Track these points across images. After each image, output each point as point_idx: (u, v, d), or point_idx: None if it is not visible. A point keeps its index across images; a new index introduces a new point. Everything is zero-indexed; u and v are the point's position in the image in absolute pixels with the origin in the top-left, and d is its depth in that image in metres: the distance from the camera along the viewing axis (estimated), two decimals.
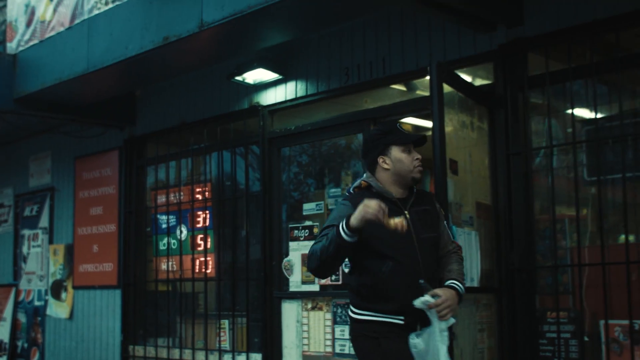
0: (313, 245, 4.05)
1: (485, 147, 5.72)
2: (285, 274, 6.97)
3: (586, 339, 5.26)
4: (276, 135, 7.16)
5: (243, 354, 7.30)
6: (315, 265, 4.00)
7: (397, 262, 3.98)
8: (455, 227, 5.01)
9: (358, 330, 4.12)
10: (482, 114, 5.72)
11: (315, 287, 6.74)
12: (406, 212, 4.09)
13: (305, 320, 6.83)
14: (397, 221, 3.81)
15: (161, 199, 8.34)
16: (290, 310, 6.94)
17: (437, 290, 3.95)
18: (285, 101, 7.09)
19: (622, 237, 5.20)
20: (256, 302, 7.26)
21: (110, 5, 6.71)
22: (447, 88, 5.17)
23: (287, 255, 6.98)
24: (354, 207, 3.88)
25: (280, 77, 7.03)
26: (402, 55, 6.21)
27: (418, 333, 3.98)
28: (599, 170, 5.22)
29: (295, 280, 6.90)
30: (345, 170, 6.87)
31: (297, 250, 6.90)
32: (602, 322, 5.14)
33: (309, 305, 6.81)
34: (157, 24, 6.25)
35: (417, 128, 7.14)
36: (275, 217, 7.14)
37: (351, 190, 4.24)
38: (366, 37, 6.45)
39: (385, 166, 4.13)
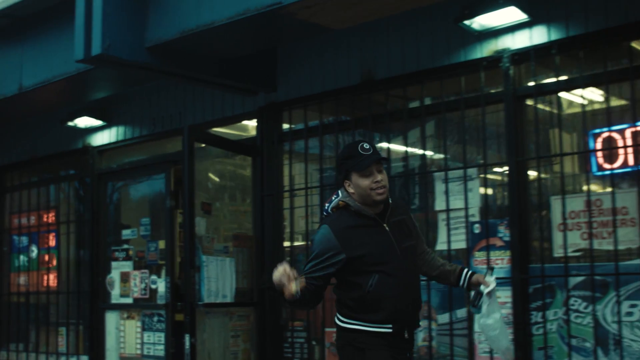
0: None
1: (249, 189, 7.14)
2: (108, 288, 8.30)
3: (314, 343, 6.70)
4: (103, 171, 8.50)
5: (75, 356, 8.62)
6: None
7: (383, 274, 3.93)
8: None
9: (345, 340, 4.06)
10: (247, 163, 7.14)
11: (129, 300, 8.08)
12: (385, 224, 4.05)
13: (122, 327, 8.17)
14: (294, 286, 3.74)
15: (17, 222, 9.60)
16: (111, 319, 8.27)
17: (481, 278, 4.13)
18: (110, 143, 8.44)
19: None
20: (87, 311, 8.57)
21: None
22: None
23: (110, 272, 8.32)
24: (335, 233, 3.94)
25: (105, 123, 8.37)
26: (193, 111, 7.61)
27: (482, 314, 4.07)
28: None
29: (115, 294, 8.23)
30: (153, 203, 8.22)
31: (117, 269, 8.24)
32: (325, 330, 6.59)
33: (125, 315, 8.15)
34: None
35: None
36: (102, 240, 8.47)
37: (329, 210, 4.14)
38: (168, 94, 7.83)
39: (350, 190, 4.07)
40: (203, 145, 6.96)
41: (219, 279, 6.55)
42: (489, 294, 4.05)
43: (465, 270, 4.21)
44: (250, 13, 5.47)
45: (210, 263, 6.48)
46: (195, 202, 6.44)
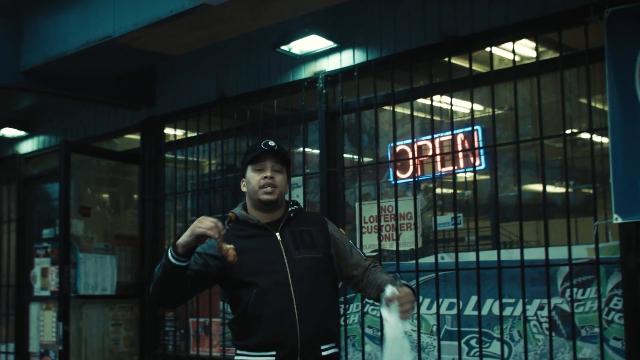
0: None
1: (134, 194, 7.96)
2: (32, 282, 9.20)
3: (182, 331, 7.50)
4: (28, 176, 9.41)
5: (5, 344, 9.54)
6: (151, 290, 3.46)
7: (262, 289, 3.45)
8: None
9: None
10: (132, 170, 7.96)
11: (47, 293, 8.96)
12: (277, 234, 3.57)
13: (42, 317, 9.05)
14: (228, 247, 3.28)
15: None
16: (34, 310, 9.17)
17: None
18: (33, 151, 9.34)
19: None
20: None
21: None
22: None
23: (33, 268, 9.21)
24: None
25: (27, 133, 9.28)
26: (94, 123, 8.44)
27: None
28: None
29: (37, 287, 9.13)
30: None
31: (39, 265, 9.13)
32: (190, 320, 7.39)
33: (44, 306, 9.03)
34: None
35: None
36: (28, 239, 9.37)
37: (226, 226, 3.64)
38: (75, 108, 8.63)
39: (243, 189, 3.67)
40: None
41: (98, 273, 7.38)
42: (389, 309, 3.34)
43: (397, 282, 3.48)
44: (92, 44, 6.26)
45: (88, 260, 7.32)
46: (72, 206, 7.27)
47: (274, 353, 3.43)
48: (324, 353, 3.50)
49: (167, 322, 7.58)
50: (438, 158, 5.82)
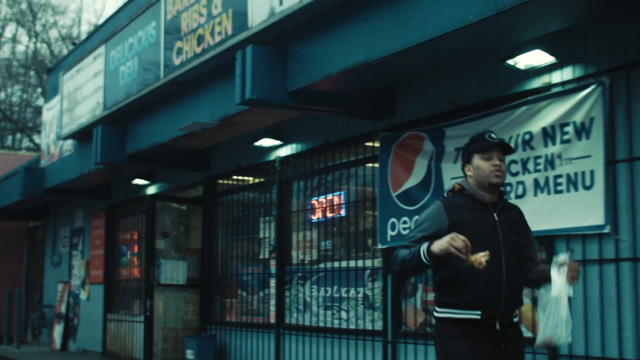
0: (399, 248, 4.24)
1: (200, 224, 13.05)
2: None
3: (219, 306, 12.46)
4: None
5: (139, 316, 14.91)
6: (396, 270, 4.14)
7: None
8: None
9: (436, 332, 4.23)
10: (197, 208, 13.08)
11: None
12: (495, 214, 4.22)
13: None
14: (478, 257, 3.82)
15: (122, 237, 16.07)
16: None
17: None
18: (160, 192, 14.67)
19: None
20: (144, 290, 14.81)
21: (67, 153, 14.55)
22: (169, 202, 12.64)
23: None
24: (446, 208, 4.21)
25: (149, 182, 14.64)
26: (184, 179, 13.60)
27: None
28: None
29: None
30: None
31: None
32: (225, 299, 12.35)
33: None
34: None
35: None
36: (151, 249, 14.68)
37: (445, 194, 4.38)
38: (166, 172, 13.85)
39: (469, 173, 4.31)
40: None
41: (173, 271, 12.53)
42: (558, 272, 4.03)
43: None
44: (152, 145, 11.35)
45: (167, 263, 12.48)
46: (156, 231, 12.45)
47: (479, 312, 4.06)
48: (514, 319, 4.23)
49: (216, 301, 12.59)
50: (328, 209, 10.39)
